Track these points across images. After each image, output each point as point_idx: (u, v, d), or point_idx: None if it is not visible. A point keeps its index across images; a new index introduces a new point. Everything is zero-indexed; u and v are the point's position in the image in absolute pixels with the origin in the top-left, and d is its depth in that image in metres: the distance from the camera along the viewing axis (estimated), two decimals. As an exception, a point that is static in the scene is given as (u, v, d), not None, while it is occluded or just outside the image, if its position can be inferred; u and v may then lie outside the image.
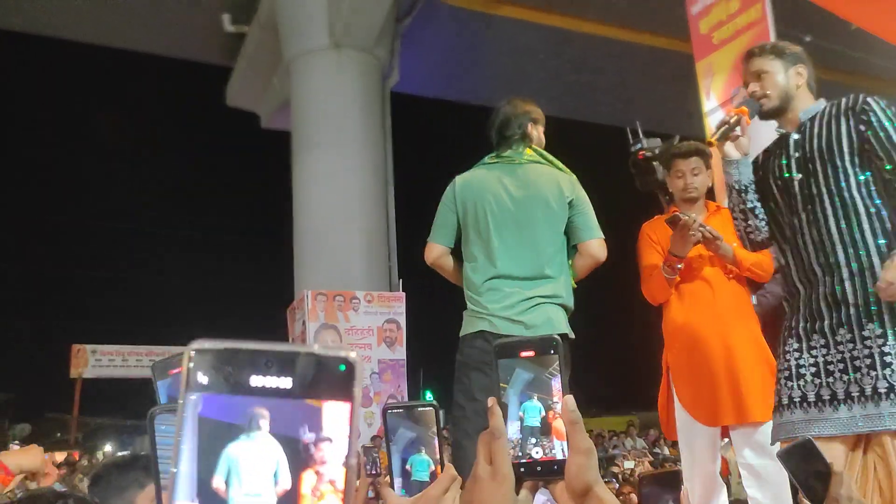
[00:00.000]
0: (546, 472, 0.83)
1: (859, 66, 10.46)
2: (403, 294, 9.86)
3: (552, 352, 0.85)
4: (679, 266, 2.89)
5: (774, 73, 2.34)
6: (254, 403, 0.45)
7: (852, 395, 2.04)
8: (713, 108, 5.60)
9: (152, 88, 15.75)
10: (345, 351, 0.45)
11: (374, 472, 3.80)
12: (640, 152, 4.08)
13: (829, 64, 11.34)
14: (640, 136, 4.15)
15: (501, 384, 0.85)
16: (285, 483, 0.44)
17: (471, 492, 0.81)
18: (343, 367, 0.45)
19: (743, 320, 2.88)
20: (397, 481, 1.01)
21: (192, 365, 0.45)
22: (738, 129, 2.37)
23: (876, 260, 2.08)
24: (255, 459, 0.45)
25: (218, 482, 0.45)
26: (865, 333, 2.06)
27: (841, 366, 2.08)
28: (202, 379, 0.45)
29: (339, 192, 9.98)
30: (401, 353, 9.66)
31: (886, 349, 2.01)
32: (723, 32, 5.55)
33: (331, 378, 0.45)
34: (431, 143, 15.19)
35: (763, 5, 5.14)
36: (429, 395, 12.68)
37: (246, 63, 12.01)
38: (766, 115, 2.38)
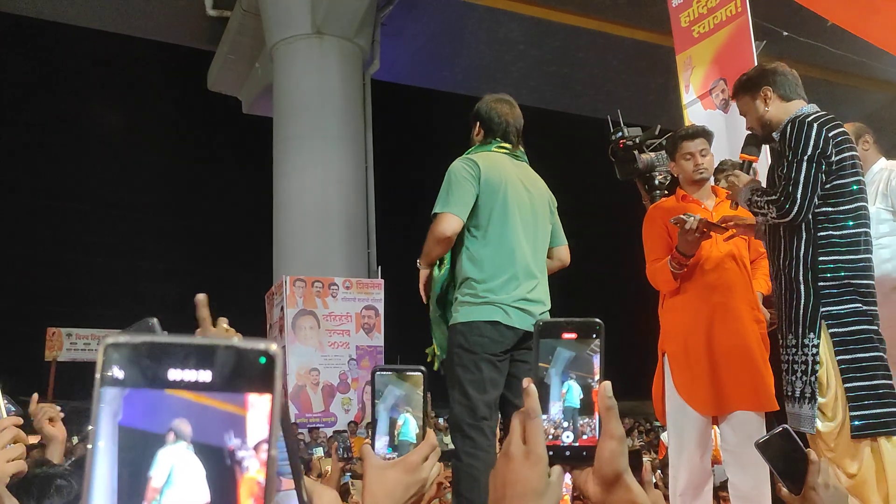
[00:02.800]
0: (574, 458, 0.82)
1: (838, 61, 10.56)
2: (382, 281, 9.85)
3: (594, 336, 0.85)
4: (686, 263, 2.88)
5: (751, 110, 2.53)
6: (172, 401, 0.43)
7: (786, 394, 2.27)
8: (692, 101, 5.62)
9: (132, 71, 15.52)
10: (265, 343, 0.44)
11: (346, 456, 3.80)
12: (621, 141, 4.07)
13: (808, 59, 11.43)
14: (622, 125, 4.14)
15: (542, 363, 0.85)
16: (208, 494, 0.43)
17: (503, 470, 0.80)
18: (263, 360, 0.43)
19: (745, 309, 2.90)
20: (383, 440, 0.99)
21: (106, 360, 0.44)
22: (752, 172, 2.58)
23: (801, 271, 2.28)
24: (177, 471, 0.43)
25: (155, 484, 0.44)
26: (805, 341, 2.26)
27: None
28: (118, 374, 0.43)
29: (319, 178, 9.93)
30: (379, 339, 9.66)
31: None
32: (703, 26, 5.56)
33: (251, 370, 0.43)
34: (411, 131, 15.11)
35: (743, 0, 5.16)
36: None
37: (227, 48, 11.88)
38: (765, 142, 2.61)
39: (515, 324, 2.56)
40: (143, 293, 15.95)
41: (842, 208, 2.33)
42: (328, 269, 9.56)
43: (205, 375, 0.43)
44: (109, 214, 16.95)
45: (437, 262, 2.77)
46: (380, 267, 10.33)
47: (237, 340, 0.44)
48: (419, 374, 0.99)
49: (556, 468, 0.80)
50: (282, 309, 9.35)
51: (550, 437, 0.82)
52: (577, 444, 0.82)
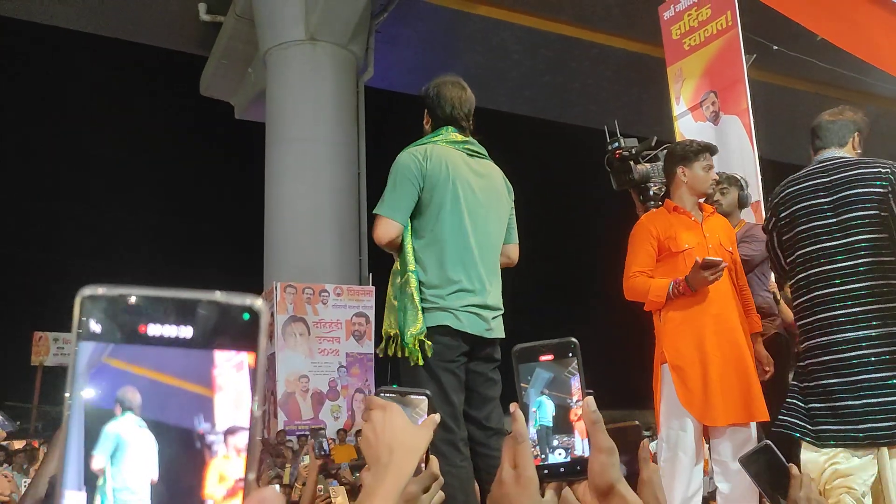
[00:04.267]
0: (569, 473, 0.83)
1: (827, 75, 10.66)
2: (373, 288, 9.84)
3: (570, 354, 0.85)
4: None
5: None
6: (150, 355, 0.41)
7: None
8: (683, 113, 5.66)
9: (124, 75, 15.48)
10: (249, 298, 0.41)
11: (323, 453, 3.78)
12: (617, 151, 4.09)
13: (797, 73, 11.55)
14: (618, 135, 4.17)
15: (522, 384, 0.85)
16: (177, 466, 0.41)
17: (497, 496, 0.81)
18: (247, 316, 0.41)
19: (739, 319, 2.92)
20: None
21: (82, 312, 0.41)
22: None
23: None
24: (142, 441, 0.41)
25: (99, 462, 0.41)
26: None
27: None
28: (95, 328, 0.41)
29: (311, 184, 9.94)
30: (369, 346, 9.64)
31: None
32: (693, 39, 5.62)
33: (234, 327, 0.41)
34: (404, 138, 15.13)
35: (733, 14, 5.21)
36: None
37: (221, 53, 11.88)
38: None
39: (467, 328, 2.43)
40: (131, 298, 15.86)
41: None
42: (319, 275, 9.55)
43: (185, 331, 0.41)
44: (98, 217, 16.88)
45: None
46: (371, 274, 10.33)
47: (220, 294, 0.41)
48: (424, 398, 0.99)
49: (549, 490, 0.81)
50: (272, 315, 9.33)
51: (540, 455, 0.83)
52: (570, 460, 0.83)
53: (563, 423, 0.84)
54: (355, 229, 10.48)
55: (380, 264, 10.43)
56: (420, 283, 2.50)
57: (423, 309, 2.47)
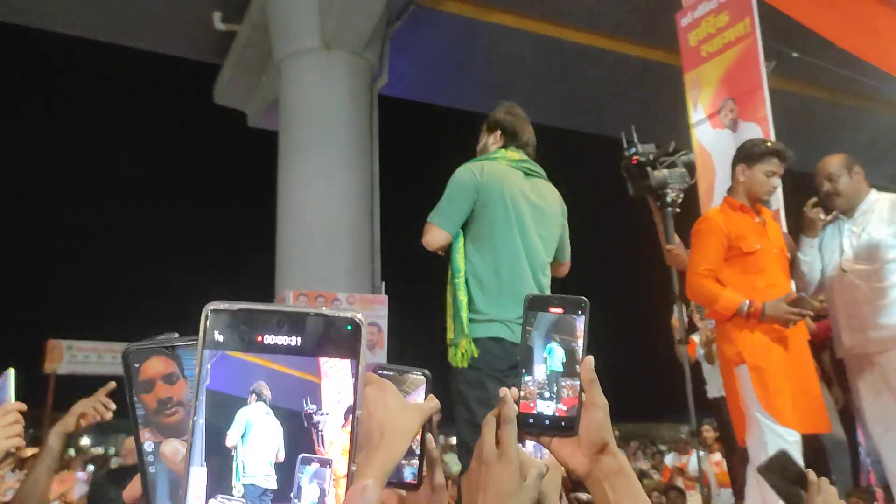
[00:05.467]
0: (553, 427, 0.85)
1: (847, 83, 10.57)
2: (386, 297, 9.84)
3: (579, 313, 0.89)
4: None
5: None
6: (260, 369, 0.47)
7: None
8: (700, 120, 5.63)
9: (138, 84, 15.63)
10: (351, 312, 0.49)
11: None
12: (634, 157, 4.08)
13: (817, 80, 11.46)
14: (635, 141, 4.16)
15: (527, 327, 0.89)
16: (286, 454, 0.46)
17: (475, 475, 0.81)
18: (350, 328, 0.48)
19: (804, 327, 2.93)
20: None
21: (208, 324, 0.48)
22: None
23: None
24: (261, 430, 0.47)
25: (231, 441, 0.47)
26: None
27: None
28: (218, 337, 0.48)
29: (324, 192, 9.95)
30: (382, 356, 9.62)
31: None
32: (711, 45, 5.59)
33: (338, 337, 0.48)
34: (418, 146, 15.15)
35: (752, 20, 5.18)
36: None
37: (235, 61, 11.97)
38: None
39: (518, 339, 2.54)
40: (145, 306, 15.98)
41: None
42: (331, 283, 9.55)
43: (295, 340, 0.48)
44: (112, 226, 17.02)
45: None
46: (384, 283, 10.32)
47: (326, 309, 0.49)
48: (422, 377, 1.00)
49: (533, 470, 0.82)
50: (284, 324, 9.33)
51: (531, 403, 0.85)
52: (555, 415, 0.84)
53: (571, 368, 0.87)
54: (368, 237, 10.48)
55: (393, 273, 10.43)
56: (470, 293, 2.67)
57: (475, 320, 2.63)
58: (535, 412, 0.85)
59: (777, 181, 3.07)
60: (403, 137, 14.32)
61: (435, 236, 2.73)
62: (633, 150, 4.19)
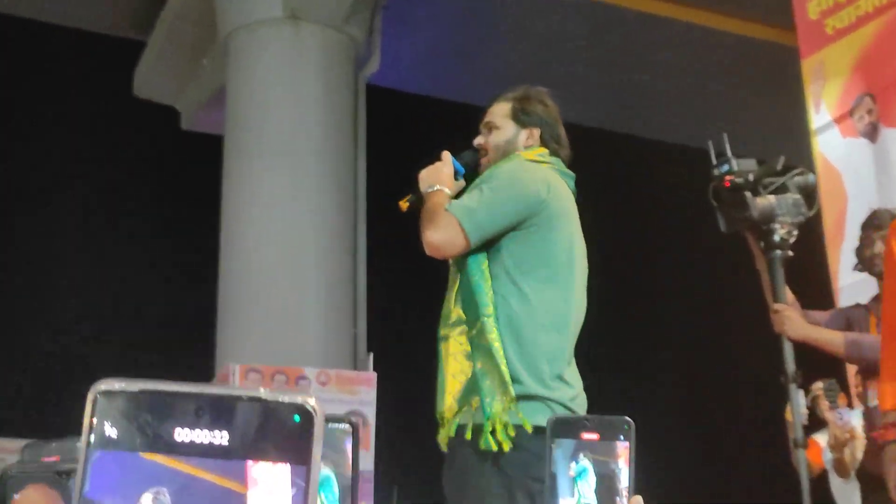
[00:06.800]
0: None
1: None
2: (374, 375, 9.75)
3: (622, 437, 0.93)
4: None
5: None
6: (164, 471, 0.46)
7: None
8: (825, 125, 5.63)
9: (45, 66, 15.82)
10: (301, 396, 0.47)
11: None
12: (728, 178, 4.05)
13: None
14: (728, 155, 4.13)
15: (551, 445, 0.95)
16: None
17: None
18: (298, 418, 0.47)
19: None
20: None
21: (96, 413, 0.47)
22: None
23: None
24: None
25: None
26: None
27: None
28: (110, 432, 0.46)
29: (287, 220, 9.95)
30: (368, 460, 9.49)
31: None
32: (840, 20, 5.60)
33: (282, 432, 0.47)
34: (421, 156, 15.22)
35: (898, -17, 5.20)
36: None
37: (164, 38, 12.06)
38: None
39: None
40: (21, 381, 15.93)
41: None
42: (296, 354, 9.51)
43: (221, 437, 0.47)
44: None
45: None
46: (371, 354, 10.25)
47: (265, 392, 0.48)
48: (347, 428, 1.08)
49: None
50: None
51: None
52: None
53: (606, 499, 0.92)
54: (349, 286, 10.45)
55: (384, 337, 10.37)
56: (507, 346, 2.59)
57: (532, 403, 2.58)
58: None
59: None
60: (401, 144, 14.36)
61: (452, 238, 2.70)
62: (726, 167, 4.15)
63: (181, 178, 15.44)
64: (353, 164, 10.79)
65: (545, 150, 2.98)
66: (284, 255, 9.87)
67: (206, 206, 11.11)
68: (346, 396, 9.61)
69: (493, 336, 2.57)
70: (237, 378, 9.29)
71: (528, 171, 2.84)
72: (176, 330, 14.74)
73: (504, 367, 2.54)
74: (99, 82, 14.99)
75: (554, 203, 2.77)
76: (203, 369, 10.35)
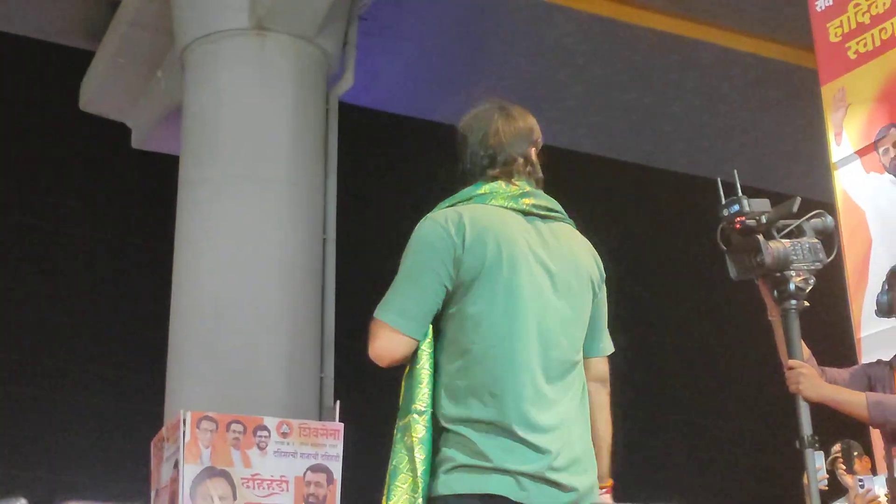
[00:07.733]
0: None
1: None
2: (341, 426, 9.66)
3: None
4: None
5: None
6: None
7: None
8: (846, 157, 5.63)
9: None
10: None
11: None
12: (738, 219, 4.02)
13: None
14: (739, 193, 4.09)
15: None
16: None
17: None
18: None
19: None
20: None
21: None
22: None
23: None
24: None
25: None
26: None
27: None
28: None
29: (247, 254, 9.91)
30: (331, 524, 9.44)
31: None
32: (863, 43, 5.62)
33: None
34: (400, 182, 15.17)
35: (929, 3, 5.23)
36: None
37: (115, 48, 12.04)
38: None
39: (532, 501, 2.44)
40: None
41: None
42: (254, 402, 9.44)
43: None
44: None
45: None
46: (338, 402, 10.16)
47: None
48: None
49: None
50: (176, 465, 9.16)
51: None
52: None
53: None
54: (315, 327, 10.41)
55: (351, 386, 10.30)
56: (443, 426, 2.51)
57: (457, 468, 2.47)
58: None
59: None
60: (376, 169, 14.37)
61: (388, 343, 2.57)
62: (736, 207, 4.11)
63: (130, 203, 15.37)
64: (323, 191, 10.75)
65: (491, 182, 2.78)
66: (244, 291, 9.81)
67: (157, 234, 11.05)
68: (309, 449, 9.47)
69: (417, 436, 2.51)
70: (188, 426, 9.15)
71: (429, 221, 2.73)
72: (125, 371, 14.64)
73: (420, 454, 2.52)
74: (45, 94, 14.98)
75: (473, 243, 2.59)
76: (153, 416, 10.25)
